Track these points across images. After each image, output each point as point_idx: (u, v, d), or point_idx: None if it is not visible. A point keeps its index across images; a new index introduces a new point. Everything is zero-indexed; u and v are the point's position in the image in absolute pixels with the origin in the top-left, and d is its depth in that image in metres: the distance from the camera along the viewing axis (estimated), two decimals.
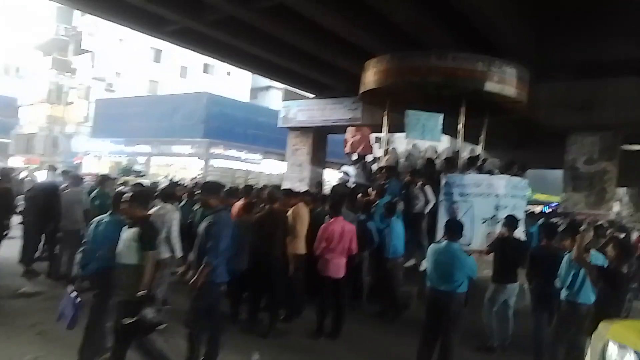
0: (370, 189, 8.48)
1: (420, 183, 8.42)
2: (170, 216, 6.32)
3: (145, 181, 20.14)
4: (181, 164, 28.79)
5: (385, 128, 10.26)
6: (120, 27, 31.09)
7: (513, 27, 10.97)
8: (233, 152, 28.33)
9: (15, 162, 39.44)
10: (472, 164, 9.07)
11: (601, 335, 4.00)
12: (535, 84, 10.77)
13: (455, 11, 10.41)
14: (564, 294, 5.27)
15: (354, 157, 10.61)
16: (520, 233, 8.42)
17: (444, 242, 5.37)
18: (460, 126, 9.42)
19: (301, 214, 6.85)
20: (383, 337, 6.93)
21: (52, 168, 11.56)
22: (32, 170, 14.89)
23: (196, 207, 7.54)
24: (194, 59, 37.74)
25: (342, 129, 23.64)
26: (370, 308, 7.92)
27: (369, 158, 10.56)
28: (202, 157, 27.40)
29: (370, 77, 9.60)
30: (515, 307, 6.50)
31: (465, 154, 9.78)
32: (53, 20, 37.67)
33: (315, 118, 20.55)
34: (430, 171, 8.91)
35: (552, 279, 5.48)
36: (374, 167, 10.39)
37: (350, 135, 10.55)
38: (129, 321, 4.07)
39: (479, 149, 10.30)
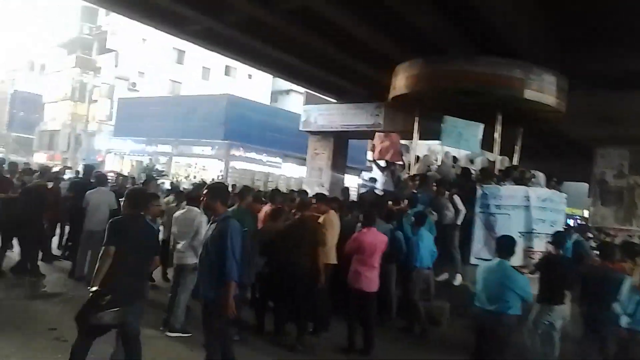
0: (399, 198, 8.02)
1: (448, 193, 7.95)
2: (198, 219, 5.96)
3: (166, 181, 19.97)
4: (201, 165, 28.56)
5: (415, 135, 9.79)
6: (143, 27, 31.29)
7: (538, 38, 10.48)
8: (253, 155, 28.02)
9: (38, 158, 39.81)
10: (509, 174, 8.57)
11: None
12: None
13: (480, 20, 10.02)
14: (625, 321, 4.78)
15: (382, 164, 10.15)
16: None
17: (495, 260, 4.92)
18: (496, 135, 8.92)
19: (333, 223, 6.45)
20: (413, 354, 6.46)
21: (67, 168, 11.47)
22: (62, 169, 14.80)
23: None
24: (216, 61, 37.62)
25: (362, 135, 23.50)
26: (400, 323, 7.46)
27: (397, 165, 10.09)
28: (222, 158, 27.14)
29: (401, 82, 9.16)
30: (562, 330, 6.00)
31: (498, 164, 9.25)
32: (78, 19, 37.90)
33: (336, 123, 20.20)
34: (465, 181, 8.41)
35: (608, 303, 4.99)
36: (403, 174, 9.92)
37: (378, 141, 10.10)
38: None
39: (506, 160, 9.76)
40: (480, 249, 8.05)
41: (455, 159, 9.66)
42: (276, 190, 7.81)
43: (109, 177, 10.49)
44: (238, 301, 5.29)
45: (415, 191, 8.25)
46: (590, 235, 11.63)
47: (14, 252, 8.37)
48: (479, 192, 8.03)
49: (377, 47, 13.14)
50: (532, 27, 10.14)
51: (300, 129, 21.46)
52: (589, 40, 10.50)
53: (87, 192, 7.77)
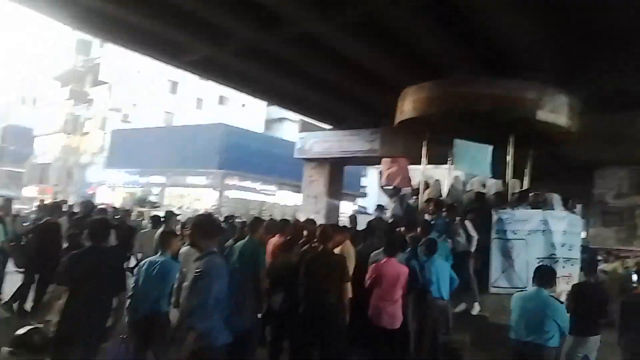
0: (413, 224, 7.60)
1: (459, 219, 7.57)
2: None
3: (160, 212, 19.41)
4: (195, 195, 28.02)
5: (424, 160, 9.43)
6: (137, 59, 31.27)
7: (541, 59, 10.36)
8: (248, 183, 27.58)
9: (29, 192, 39.00)
10: (524, 198, 8.22)
11: None
12: None
13: (483, 41, 9.90)
14: None
15: (389, 190, 9.80)
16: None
17: (533, 289, 4.56)
18: (508, 158, 8.60)
19: (351, 254, 6.01)
20: None
21: (63, 202, 11.05)
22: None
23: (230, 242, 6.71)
24: (210, 90, 37.58)
25: (359, 161, 23.32)
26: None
27: (405, 191, 9.73)
28: (217, 188, 26.66)
29: (408, 106, 8.84)
30: None
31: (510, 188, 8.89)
32: (71, 51, 37.70)
33: (332, 149, 19.95)
34: (479, 206, 8.03)
35: None
36: (412, 200, 9.55)
37: (385, 167, 9.75)
38: None
39: (517, 184, 9.41)
40: (498, 277, 7.64)
41: (464, 183, 9.33)
42: (285, 221, 7.36)
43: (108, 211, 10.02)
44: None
45: (428, 217, 7.85)
46: (599, 257, 11.30)
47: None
48: (495, 217, 7.66)
49: (377, 71, 13.01)
50: (535, 48, 10.02)
51: (296, 156, 21.17)
52: (589, 61, 10.39)
53: None
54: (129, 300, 4.43)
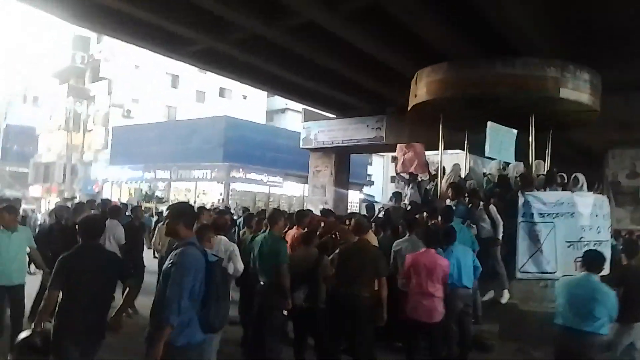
0: (433, 211, 7.23)
1: (482, 204, 7.21)
2: (231, 249, 5.18)
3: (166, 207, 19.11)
4: (201, 189, 27.71)
5: (441, 144, 9.03)
6: (136, 53, 30.90)
7: (548, 43, 9.90)
8: (253, 175, 27.22)
9: (34, 191, 38.74)
10: (552, 180, 7.85)
11: None
12: None
13: (488, 28, 9.46)
14: None
15: (405, 176, 9.43)
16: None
17: (582, 274, 4.26)
18: (530, 139, 8.22)
19: (374, 244, 5.66)
20: None
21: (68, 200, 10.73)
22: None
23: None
24: (211, 83, 37.18)
25: (364, 149, 22.94)
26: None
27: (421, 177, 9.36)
28: (222, 181, 26.33)
29: (422, 89, 8.42)
30: None
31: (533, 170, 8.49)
32: (69, 48, 37.25)
33: (337, 138, 19.64)
34: (504, 190, 7.66)
35: None
36: (429, 186, 9.19)
37: (400, 152, 9.37)
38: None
39: (541, 165, 9.02)
40: (525, 262, 7.29)
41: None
42: (303, 211, 7.01)
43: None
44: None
45: (449, 203, 7.50)
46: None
47: None
48: (521, 200, 7.30)
49: (380, 60, 12.67)
50: (542, 32, 9.59)
51: (301, 146, 20.84)
52: (601, 43, 9.96)
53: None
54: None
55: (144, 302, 4.25)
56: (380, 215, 8.36)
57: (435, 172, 9.27)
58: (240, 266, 5.05)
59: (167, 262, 3.37)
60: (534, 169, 8.29)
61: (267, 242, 5.29)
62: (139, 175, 29.55)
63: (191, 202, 25.19)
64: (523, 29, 9.26)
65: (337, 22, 10.47)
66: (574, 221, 7.29)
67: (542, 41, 9.68)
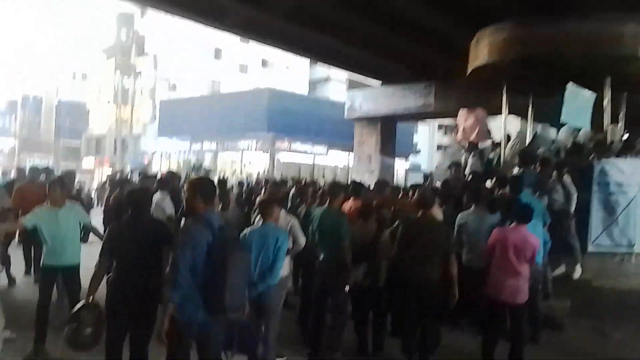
0: (499, 181, 6.70)
1: (556, 173, 6.61)
2: (292, 222, 4.91)
3: (215, 178, 19.21)
4: (247, 160, 27.79)
5: (504, 110, 8.38)
6: (179, 28, 30.87)
7: None
8: (297, 146, 27.02)
9: (86, 163, 40.07)
10: (630, 147, 7.16)
11: None
12: None
13: None
14: None
15: (466, 144, 8.87)
16: None
17: None
18: (605, 103, 7.49)
19: (440, 219, 5.27)
20: None
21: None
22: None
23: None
24: (253, 55, 36.93)
25: (412, 117, 22.19)
26: None
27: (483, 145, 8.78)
28: (267, 152, 26.27)
29: (484, 51, 7.74)
30: None
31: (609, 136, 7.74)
32: (114, 25, 37.69)
33: (383, 107, 19.03)
34: (578, 158, 7.03)
35: None
36: (492, 155, 8.62)
37: (462, 120, 8.80)
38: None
39: (617, 130, 8.23)
40: (599, 235, 6.73)
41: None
42: (359, 184, 6.66)
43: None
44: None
45: (517, 173, 6.94)
46: None
47: None
48: (596, 168, 6.69)
49: (428, 24, 12.02)
50: None
51: (345, 116, 20.33)
52: None
53: None
54: None
55: None
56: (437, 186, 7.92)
57: (497, 140, 8.66)
58: (303, 240, 4.77)
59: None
60: (608, 135, 7.59)
61: (328, 217, 4.99)
62: (186, 147, 29.89)
63: (237, 173, 25.37)
64: None
65: None
66: None
67: None
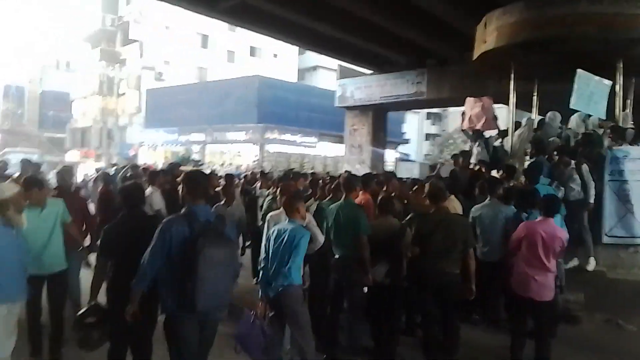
0: (508, 171, 6.42)
1: (574, 162, 6.35)
2: (307, 219, 4.55)
3: (206, 170, 18.73)
4: (236, 151, 27.25)
5: (512, 98, 8.06)
6: (165, 14, 30.11)
7: None
8: (287, 136, 26.54)
9: (71, 156, 39.14)
10: None
11: None
12: None
13: None
14: None
15: (471, 133, 8.57)
16: None
17: None
18: (617, 88, 7.23)
19: (458, 212, 4.96)
20: None
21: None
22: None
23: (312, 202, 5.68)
24: (241, 42, 36.26)
25: (404, 106, 21.85)
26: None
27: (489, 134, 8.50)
28: (257, 142, 25.76)
29: (492, 34, 7.40)
30: None
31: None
32: (99, 11, 36.68)
33: (375, 95, 18.73)
34: (590, 147, 6.77)
35: None
36: (497, 143, 8.34)
37: (468, 108, 8.48)
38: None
39: (628, 116, 7.96)
40: (614, 226, 6.50)
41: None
42: (370, 174, 6.33)
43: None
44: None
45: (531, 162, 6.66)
46: None
47: None
48: (609, 156, 6.44)
49: (422, 8, 11.69)
50: None
51: (337, 105, 19.99)
52: None
53: None
54: (260, 273, 4.12)
55: None
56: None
57: (504, 129, 8.37)
58: (321, 238, 4.41)
59: None
60: (620, 122, 7.33)
61: (344, 211, 4.67)
62: (174, 138, 29.27)
63: (226, 164, 24.87)
64: None
65: None
66: None
67: None
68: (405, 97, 18.02)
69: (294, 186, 5.12)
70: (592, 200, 6.31)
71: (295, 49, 35.50)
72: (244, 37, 33.58)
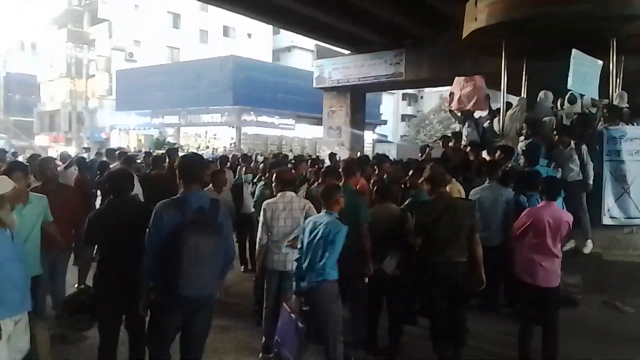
0: (505, 152, 6.17)
1: (573, 142, 6.13)
2: (306, 208, 4.21)
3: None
4: (211, 134, 26.53)
5: (503, 78, 7.77)
6: None
7: None
8: (264, 118, 25.93)
9: (40, 140, 37.61)
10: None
11: None
12: None
13: None
14: None
15: (459, 114, 8.29)
16: None
17: None
18: (611, 67, 7.02)
19: (461, 195, 4.67)
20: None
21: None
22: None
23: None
24: (214, 22, 35.16)
25: (383, 86, 21.54)
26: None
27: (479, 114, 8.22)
28: (233, 125, 25.09)
29: (484, 12, 7.07)
30: None
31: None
32: None
33: (353, 76, 18.33)
34: (584, 126, 6.56)
35: None
36: (486, 124, 8.07)
37: (457, 87, 8.17)
38: None
39: (624, 96, 7.79)
40: (611, 207, 6.34)
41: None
42: (365, 158, 5.99)
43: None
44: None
45: (521, 142, 6.44)
46: None
47: None
48: (605, 136, 6.25)
49: None
50: None
51: (314, 86, 19.52)
52: None
53: None
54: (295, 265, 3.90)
55: None
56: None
57: (495, 109, 8.11)
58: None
59: None
60: (615, 101, 7.15)
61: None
62: (146, 121, 28.31)
63: (202, 148, 24.20)
64: None
65: None
66: None
67: None
68: (384, 77, 17.68)
69: (290, 173, 4.70)
70: (590, 182, 6.13)
71: (269, 29, 34.61)
72: (217, 17, 32.50)
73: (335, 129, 19.84)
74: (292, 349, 3.65)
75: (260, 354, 4.28)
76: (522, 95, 7.76)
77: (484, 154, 6.87)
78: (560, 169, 6.02)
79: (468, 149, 7.06)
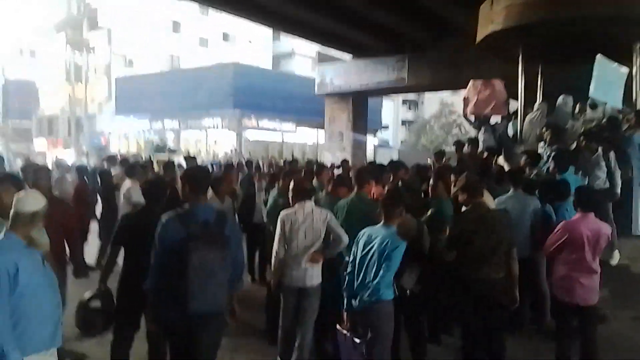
0: (531, 158, 5.82)
1: (600, 149, 5.79)
2: (327, 218, 3.86)
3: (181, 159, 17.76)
4: (212, 139, 26.18)
5: (521, 82, 7.44)
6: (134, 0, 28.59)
7: None
8: (265, 123, 25.59)
9: (39, 145, 37.15)
10: None
11: None
12: None
13: None
14: None
15: (474, 120, 7.96)
16: None
17: None
18: (635, 70, 6.72)
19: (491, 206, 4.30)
20: None
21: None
22: None
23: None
24: (213, 28, 34.89)
25: (385, 92, 21.30)
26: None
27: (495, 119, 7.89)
28: (234, 130, 24.74)
29: (500, 15, 6.76)
30: None
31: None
32: None
33: (354, 82, 18.13)
34: (614, 133, 6.22)
35: None
36: (504, 129, 7.74)
37: (473, 91, 7.81)
38: None
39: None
40: None
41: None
42: (379, 166, 5.64)
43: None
44: None
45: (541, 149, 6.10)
46: None
47: None
48: (637, 141, 5.92)
49: None
50: None
51: (316, 92, 19.27)
52: None
53: None
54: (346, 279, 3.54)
55: None
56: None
57: (512, 113, 7.78)
58: (346, 237, 3.74)
59: None
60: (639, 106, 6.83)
61: (357, 208, 4.00)
62: (146, 126, 27.92)
63: (202, 153, 23.87)
64: None
65: None
66: None
67: None
68: (386, 83, 17.48)
69: (305, 181, 4.35)
70: (618, 190, 5.79)
71: (269, 35, 34.39)
72: (217, 23, 32.26)
73: (337, 135, 19.62)
74: None
75: None
76: (539, 100, 7.43)
77: (500, 160, 6.57)
78: (585, 177, 5.68)
79: (485, 154, 6.72)
